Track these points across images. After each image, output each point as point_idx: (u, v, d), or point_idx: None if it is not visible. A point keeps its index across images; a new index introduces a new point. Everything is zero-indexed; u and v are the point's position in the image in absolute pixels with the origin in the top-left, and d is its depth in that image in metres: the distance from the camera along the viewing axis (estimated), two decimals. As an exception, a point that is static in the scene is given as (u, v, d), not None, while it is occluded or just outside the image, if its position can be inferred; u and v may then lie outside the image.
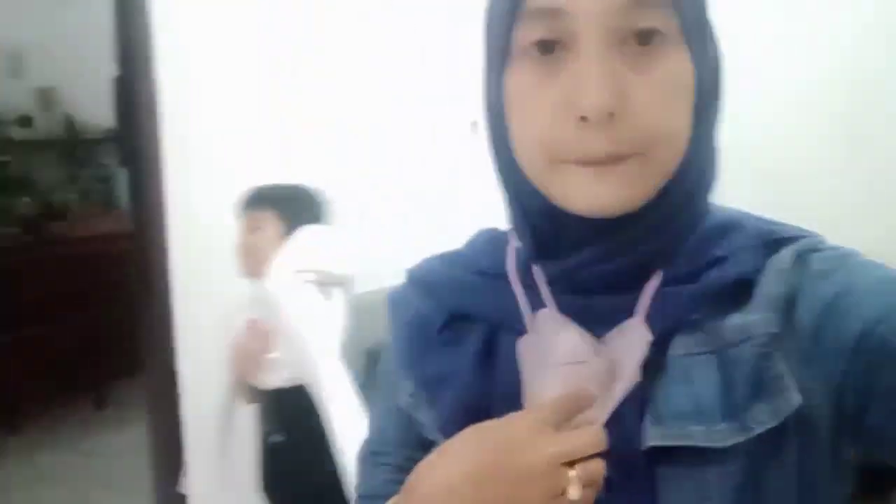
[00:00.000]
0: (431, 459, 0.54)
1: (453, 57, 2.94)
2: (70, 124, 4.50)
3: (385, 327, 0.71)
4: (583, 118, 0.50)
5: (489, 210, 0.77)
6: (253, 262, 1.75)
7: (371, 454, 0.71)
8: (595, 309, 0.57)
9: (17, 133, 4.45)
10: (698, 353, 0.53)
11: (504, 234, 0.66)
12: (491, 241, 0.67)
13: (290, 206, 1.78)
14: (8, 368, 3.50)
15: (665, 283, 0.56)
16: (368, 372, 2.30)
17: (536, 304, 0.59)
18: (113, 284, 3.38)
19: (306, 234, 1.75)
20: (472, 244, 0.69)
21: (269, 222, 1.75)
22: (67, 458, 3.33)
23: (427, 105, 2.93)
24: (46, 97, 4.50)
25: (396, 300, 0.70)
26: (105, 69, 2.39)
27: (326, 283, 1.74)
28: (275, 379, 1.71)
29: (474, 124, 3.13)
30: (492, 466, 0.50)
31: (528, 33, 0.53)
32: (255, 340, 1.72)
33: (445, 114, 2.99)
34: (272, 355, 1.71)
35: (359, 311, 2.25)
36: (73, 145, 4.54)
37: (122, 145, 2.28)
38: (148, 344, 2.21)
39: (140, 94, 2.07)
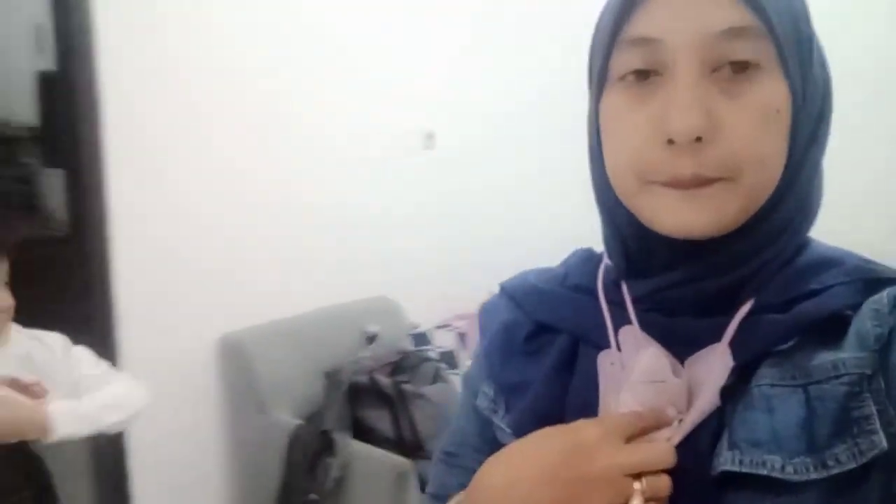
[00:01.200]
0: (499, 455, 0.56)
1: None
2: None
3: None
4: (670, 141, 0.51)
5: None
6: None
7: (447, 455, 0.72)
8: (679, 330, 0.56)
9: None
10: (783, 385, 0.52)
11: (598, 254, 0.67)
12: (585, 260, 0.68)
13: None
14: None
15: (755, 311, 0.55)
16: (330, 392, 2.25)
17: (621, 321, 0.59)
18: (37, 293, 3.12)
19: None
20: (566, 262, 0.70)
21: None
22: None
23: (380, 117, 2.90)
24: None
25: (487, 310, 0.72)
26: (26, 64, 2.24)
27: None
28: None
29: (429, 136, 3.11)
30: (557, 467, 0.51)
31: (624, 61, 0.54)
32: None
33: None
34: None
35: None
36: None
37: (49, 144, 2.13)
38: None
39: (77, 90, 1.94)
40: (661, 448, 0.52)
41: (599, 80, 0.57)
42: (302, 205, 2.62)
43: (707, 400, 0.53)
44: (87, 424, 1.45)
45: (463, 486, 0.62)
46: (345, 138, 2.77)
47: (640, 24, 0.53)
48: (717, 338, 0.55)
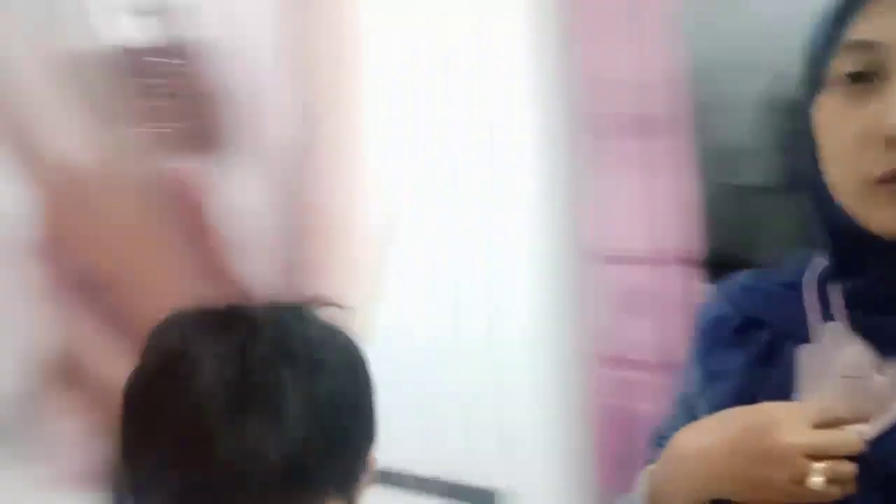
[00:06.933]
0: (694, 426, 0.61)
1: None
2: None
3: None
4: (889, 139, 0.52)
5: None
6: None
7: (660, 437, 0.75)
8: (886, 329, 0.57)
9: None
10: None
11: (814, 255, 0.69)
12: (798, 260, 0.70)
13: None
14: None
15: None
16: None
17: (827, 317, 0.61)
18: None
19: None
20: (783, 263, 0.73)
21: None
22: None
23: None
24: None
25: (703, 307, 0.75)
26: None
27: None
28: None
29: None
30: (740, 440, 0.55)
31: (843, 64, 0.56)
32: None
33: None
34: None
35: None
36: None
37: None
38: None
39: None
40: (845, 436, 0.53)
41: (814, 84, 0.59)
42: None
43: None
44: None
45: None
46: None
47: (860, 29, 0.55)
48: None
